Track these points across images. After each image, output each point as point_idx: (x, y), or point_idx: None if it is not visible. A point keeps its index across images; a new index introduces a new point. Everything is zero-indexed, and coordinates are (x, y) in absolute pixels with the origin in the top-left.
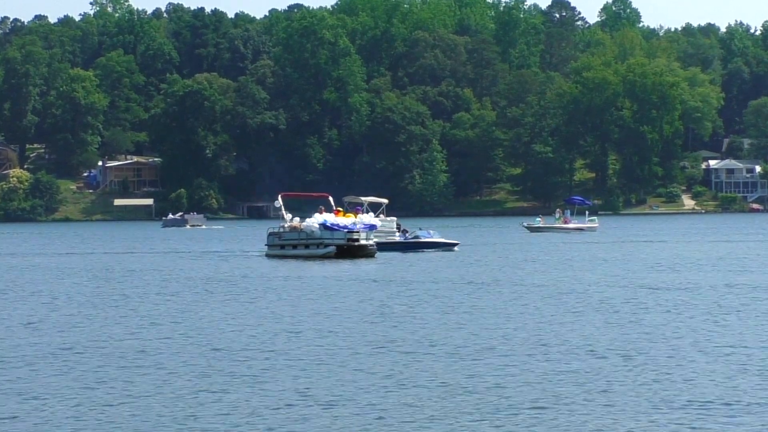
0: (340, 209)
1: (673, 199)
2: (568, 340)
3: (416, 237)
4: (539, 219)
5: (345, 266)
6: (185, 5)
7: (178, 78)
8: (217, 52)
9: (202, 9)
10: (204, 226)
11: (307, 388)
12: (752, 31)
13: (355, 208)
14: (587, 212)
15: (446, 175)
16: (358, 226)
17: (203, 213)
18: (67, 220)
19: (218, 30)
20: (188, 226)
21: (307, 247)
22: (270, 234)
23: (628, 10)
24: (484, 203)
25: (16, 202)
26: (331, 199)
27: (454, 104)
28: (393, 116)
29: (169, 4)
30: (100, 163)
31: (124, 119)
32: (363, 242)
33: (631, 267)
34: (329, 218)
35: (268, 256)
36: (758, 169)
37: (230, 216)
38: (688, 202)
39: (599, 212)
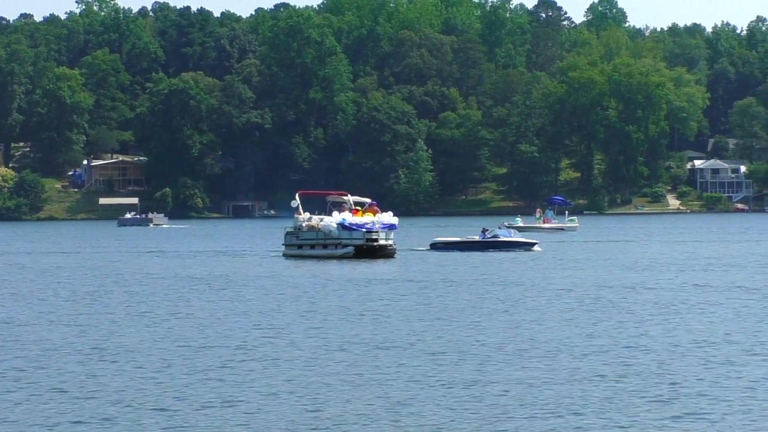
0: (359, 208)
1: (658, 199)
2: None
3: (495, 236)
4: (519, 219)
5: (361, 267)
6: (171, 4)
7: (164, 77)
8: (203, 51)
9: (188, 8)
10: (166, 226)
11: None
12: (738, 31)
13: (370, 206)
14: (567, 212)
15: (432, 175)
16: (377, 226)
17: (164, 212)
18: (51, 219)
19: (204, 29)
20: (152, 225)
21: (325, 247)
22: (287, 233)
23: (614, 10)
24: (469, 203)
25: (1, 201)
26: (350, 197)
27: (440, 104)
28: (379, 116)
29: (155, 2)
30: (85, 162)
31: (110, 118)
32: (382, 242)
33: (590, 267)
34: (348, 217)
35: (285, 256)
36: (743, 169)
37: (215, 215)
38: (674, 202)
39: (584, 212)
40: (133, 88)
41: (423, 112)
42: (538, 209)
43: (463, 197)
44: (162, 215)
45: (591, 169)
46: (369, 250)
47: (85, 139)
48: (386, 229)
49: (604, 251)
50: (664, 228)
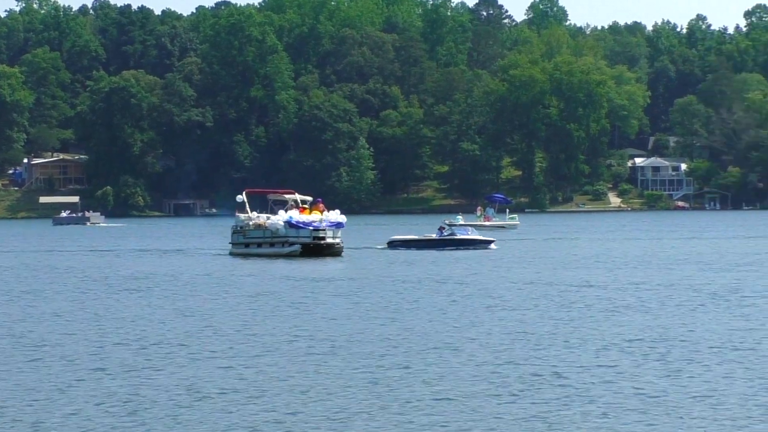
0: (306, 206)
1: (599, 196)
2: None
3: (452, 234)
4: (460, 217)
5: (307, 265)
6: (112, 2)
7: (105, 75)
8: (144, 49)
9: (128, 6)
10: (103, 224)
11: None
12: (678, 29)
13: (317, 204)
14: (508, 210)
15: (373, 173)
16: (324, 224)
17: (100, 211)
18: None
19: (145, 27)
20: (88, 224)
21: (272, 245)
22: (234, 232)
23: (555, 8)
24: (411, 201)
25: None
26: (297, 195)
27: (381, 102)
28: (320, 114)
29: (96, 0)
30: (25, 161)
31: (50, 116)
32: (330, 240)
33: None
34: (295, 215)
35: (232, 254)
36: (684, 167)
37: (156, 213)
38: (614, 200)
39: (526, 210)
40: (74, 86)
41: (364, 111)
42: (479, 207)
43: (405, 195)
44: (98, 214)
45: (532, 167)
46: (316, 248)
47: (26, 137)
48: (333, 228)
49: (545, 249)
50: (605, 226)
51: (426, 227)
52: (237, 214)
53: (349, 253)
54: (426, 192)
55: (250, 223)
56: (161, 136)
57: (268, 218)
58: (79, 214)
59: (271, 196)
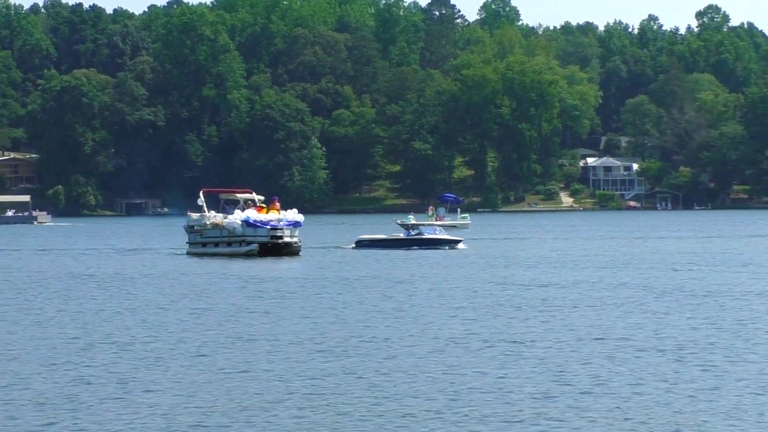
0: (263, 205)
1: (551, 196)
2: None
3: (419, 233)
4: (411, 216)
5: (263, 265)
6: (63, 1)
7: (56, 74)
8: (96, 48)
9: (80, 5)
10: (49, 223)
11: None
12: (630, 30)
13: (273, 203)
14: (459, 209)
15: (326, 172)
16: (282, 223)
17: (46, 210)
18: None
19: (97, 26)
20: (35, 223)
21: (229, 245)
22: (191, 231)
23: (508, 8)
24: (363, 200)
25: None
26: (255, 195)
27: (333, 101)
28: (272, 113)
29: None
30: None
31: (1, 115)
32: (287, 239)
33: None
34: (252, 215)
35: (189, 254)
36: (635, 166)
37: (108, 213)
38: (567, 200)
39: (478, 209)
40: (25, 85)
41: (317, 110)
42: (431, 207)
43: (357, 195)
44: (45, 213)
45: (485, 167)
46: (274, 247)
47: None
48: (291, 227)
49: (499, 248)
50: (556, 225)
51: (380, 227)
52: (189, 213)
53: (308, 253)
54: (378, 191)
55: (208, 222)
56: (113, 135)
57: (225, 218)
58: (26, 214)
59: (223, 196)
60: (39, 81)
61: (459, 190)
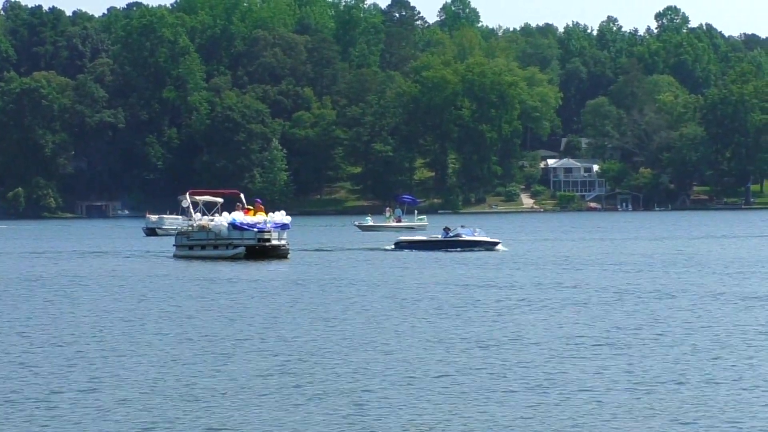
0: (251, 207)
1: (512, 198)
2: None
3: (457, 235)
4: (369, 218)
5: (249, 268)
6: (22, 3)
7: (16, 76)
8: (55, 50)
9: (39, 7)
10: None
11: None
12: (589, 31)
13: (257, 204)
14: (416, 211)
15: (287, 174)
16: (269, 226)
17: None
18: None
19: (56, 28)
20: None
21: (216, 247)
22: (178, 234)
23: (467, 10)
24: (324, 202)
25: None
26: (242, 196)
27: (294, 103)
28: (233, 115)
29: (6, 1)
30: None
31: None
32: (275, 242)
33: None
34: (239, 217)
35: (176, 257)
36: (596, 168)
37: (69, 215)
38: (527, 201)
39: (439, 211)
40: None
41: (277, 112)
42: (388, 208)
43: (318, 196)
44: None
45: (445, 168)
46: (261, 250)
47: None
48: (279, 229)
49: (540, 250)
50: (518, 227)
51: (339, 228)
52: (147, 215)
53: (295, 255)
54: (339, 193)
55: (194, 224)
56: (73, 137)
57: (212, 220)
58: None
59: (181, 197)
60: None
61: (420, 192)
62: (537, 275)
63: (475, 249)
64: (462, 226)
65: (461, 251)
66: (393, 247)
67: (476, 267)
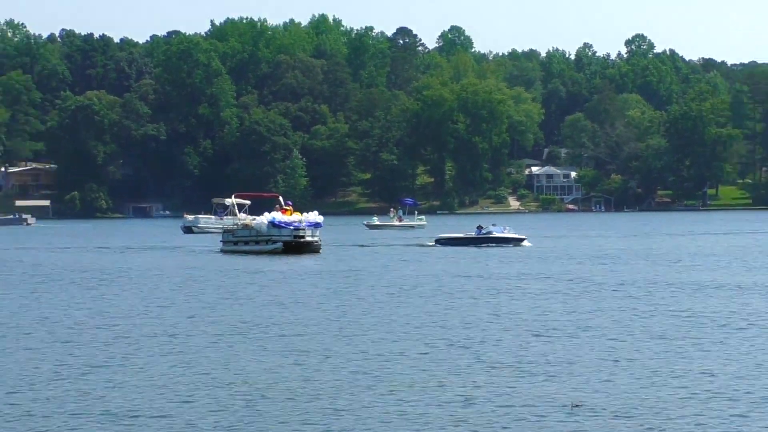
0: (288, 208)
1: (501, 200)
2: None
3: (489, 232)
4: (375, 218)
5: (285, 261)
6: (77, 31)
7: (71, 95)
8: (105, 72)
9: (91, 34)
10: (35, 225)
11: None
12: (568, 56)
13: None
14: (416, 212)
15: (306, 180)
16: (303, 224)
17: (29, 213)
18: None
19: (106, 53)
20: (25, 224)
21: (257, 243)
22: (224, 231)
23: (462, 37)
24: (339, 204)
25: None
26: (281, 198)
27: (312, 118)
28: (259, 128)
29: (63, 29)
30: (2, 169)
31: (24, 131)
32: (309, 238)
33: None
34: (277, 216)
35: (223, 252)
36: (573, 174)
37: (117, 215)
38: (514, 203)
39: (438, 212)
40: (44, 104)
41: (297, 126)
42: (392, 209)
43: (333, 199)
44: (30, 216)
45: (443, 175)
46: (296, 246)
47: (2, 148)
48: (312, 227)
49: (561, 245)
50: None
51: (351, 227)
52: (185, 215)
53: (327, 250)
54: (351, 196)
55: (239, 223)
56: (121, 148)
57: (254, 219)
58: (15, 216)
59: (215, 200)
60: (56, 101)
61: (421, 195)
62: (593, 268)
63: (505, 245)
64: (493, 225)
65: (494, 246)
66: (434, 243)
67: (535, 261)
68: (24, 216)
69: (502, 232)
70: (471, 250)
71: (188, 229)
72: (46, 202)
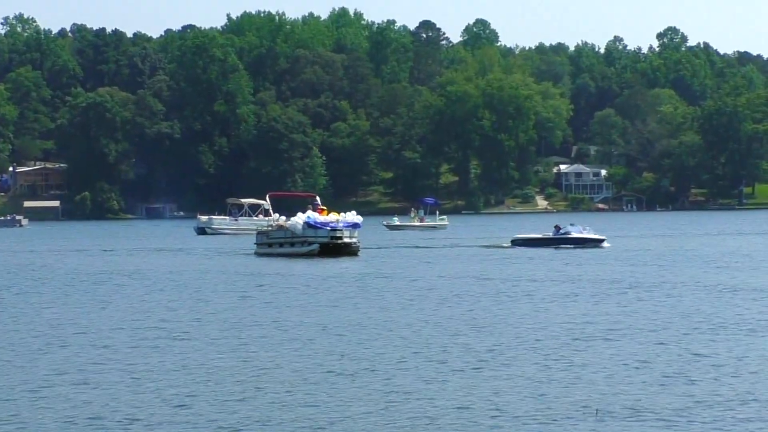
0: (324, 207)
1: (528, 199)
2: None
3: (567, 233)
4: (396, 218)
5: (321, 264)
6: (88, 25)
7: (82, 91)
8: (118, 68)
9: (103, 29)
10: (29, 227)
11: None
12: (597, 49)
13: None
14: (438, 212)
15: (325, 179)
16: (341, 224)
17: (24, 215)
18: None
19: (118, 48)
20: (19, 226)
21: (292, 245)
22: (258, 233)
23: (488, 31)
24: (359, 204)
25: None
26: (318, 198)
27: (332, 115)
28: (277, 126)
29: (74, 24)
30: (11, 169)
31: (33, 129)
32: (347, 240)
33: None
34: (313, 216)
35: (257, 254)
36: (603, 172)
37: (129, 216)
38: (542, 203)
39: (462, 212)
40: (54, 101)
41: (317, 123)
42: (413, 209)
43: (354, 199)
44: (22, 217)
45: (467, 173)
46: (334, 247)
47: (11, 147)
48: (350, 228)
49: (643, 246)
50: (534, 226)
51: (373, 227)
52: (198, 216)
53: (366, 253)
54: (372, 196)
55: (273, 224)
56: (134, 146)
57: (288, 219)
58: (9, 218)
59: (229, 200)
60: (67, 98)
61: (444, 195)
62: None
63: (583, 246)
64: (571, 224)
65: (573, 248)
66: (510, 244)
67: (629, 264)
68: (18, 218)
69: (581, 233)
70: (549, 252)
71: (202, 231)
72: (56, 203)
